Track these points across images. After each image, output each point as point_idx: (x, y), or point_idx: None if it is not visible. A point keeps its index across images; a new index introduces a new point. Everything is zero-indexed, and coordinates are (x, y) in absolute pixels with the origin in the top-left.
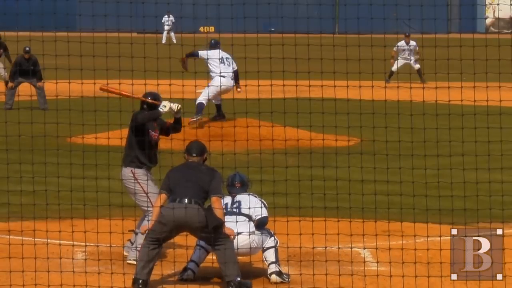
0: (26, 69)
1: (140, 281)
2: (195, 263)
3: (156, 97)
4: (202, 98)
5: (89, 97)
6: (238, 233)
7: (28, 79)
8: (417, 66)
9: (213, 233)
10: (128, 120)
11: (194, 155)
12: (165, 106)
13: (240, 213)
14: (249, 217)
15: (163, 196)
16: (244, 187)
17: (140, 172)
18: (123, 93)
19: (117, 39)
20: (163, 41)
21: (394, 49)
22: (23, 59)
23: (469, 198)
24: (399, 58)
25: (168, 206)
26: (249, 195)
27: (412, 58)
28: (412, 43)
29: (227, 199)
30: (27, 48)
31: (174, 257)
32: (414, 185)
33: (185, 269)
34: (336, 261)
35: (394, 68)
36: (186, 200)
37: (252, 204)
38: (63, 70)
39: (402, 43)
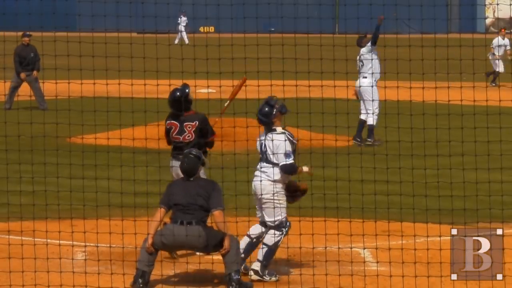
0: (25, 56)
1: (140, 281)
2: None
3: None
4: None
5: (88, 97)
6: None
7: (28, 70)
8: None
9: (213, 250)
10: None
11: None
12: None
13: (265, 159)
14: (273, 164)
15: (163, 210)
16: (267, 123)
17: None
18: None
19: (117, 39)
20: (176, 41)
21: (492, 46)
22: (22, 46)
23: (468, 198)
24: (498, 57)
25: (168, 227)
26: (271, 139)
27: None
28: (506, 41)
29: (261, 136)
30: (28, 32)
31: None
32: (414, 185)
33: None
34: (336, 261)
35: (501, 69)
36: (186, 222)
37: (275, 150)
38: (63, 70)
39: (497, 39)
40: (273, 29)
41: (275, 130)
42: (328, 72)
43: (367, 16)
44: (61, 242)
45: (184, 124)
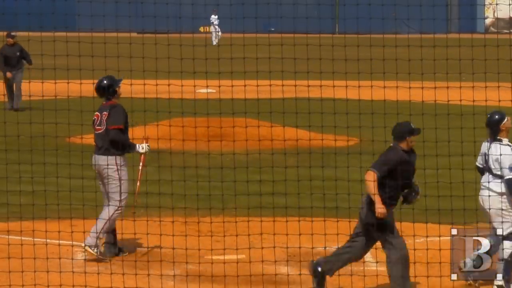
0: (10, 56)
1: None
2: None
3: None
4: None
5: (88, 97)
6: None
7: (14, 69)
8: None
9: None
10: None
11: None
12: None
13: (489, 171)
14: (497, 176)
15: None
16: (495, 131)
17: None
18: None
19: (116, 39)
20: (214, 42)
21: None
22: (7, 46)
23: (468, 198)
24: None
25: None
26: (500, 145)
27: None
28: None
29: (484, 147)
30: (13, 33)
31: (174, 257)
32: None
33: None
34: None
35: None
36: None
37: (499, 163)
38: (62, 70)
39: None
40: (272, 29)
41: (500, 140)
42: (327, 72)
43: (367, 16)
44: (60, 242)
45: (102, 113)
